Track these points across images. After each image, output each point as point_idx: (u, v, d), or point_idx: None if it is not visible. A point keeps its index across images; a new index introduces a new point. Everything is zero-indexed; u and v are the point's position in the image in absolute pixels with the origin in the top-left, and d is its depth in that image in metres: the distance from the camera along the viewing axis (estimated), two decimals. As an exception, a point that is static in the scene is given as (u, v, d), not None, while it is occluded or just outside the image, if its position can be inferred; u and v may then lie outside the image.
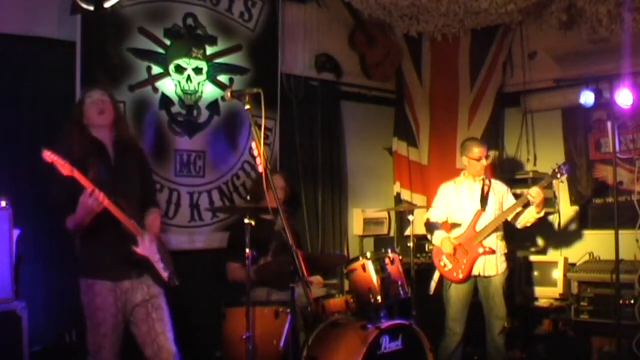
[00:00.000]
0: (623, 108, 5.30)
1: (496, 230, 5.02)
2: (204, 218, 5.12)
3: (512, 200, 5.15)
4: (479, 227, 5.03)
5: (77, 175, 3.32)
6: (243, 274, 4.47)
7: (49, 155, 3.27)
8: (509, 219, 5.07)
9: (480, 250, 4.98)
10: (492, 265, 5.02)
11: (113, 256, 3.52)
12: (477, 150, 5.09)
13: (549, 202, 5.97)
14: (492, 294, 5.03)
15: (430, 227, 5.26)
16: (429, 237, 5.32)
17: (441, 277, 5.14)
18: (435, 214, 5.23)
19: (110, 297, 3.52)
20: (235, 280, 4.56)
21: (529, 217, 5.08)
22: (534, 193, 4.90)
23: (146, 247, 3.57)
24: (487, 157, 5.17)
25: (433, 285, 5.17)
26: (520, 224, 5.14)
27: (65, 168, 3.28)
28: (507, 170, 6.35)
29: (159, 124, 4.93)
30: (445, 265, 5.06)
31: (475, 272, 5.01)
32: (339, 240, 5.97)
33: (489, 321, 5.08)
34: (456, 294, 5.05)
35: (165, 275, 3.65)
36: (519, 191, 5.52)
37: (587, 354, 5.41)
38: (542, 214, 5.09)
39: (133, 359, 3.65)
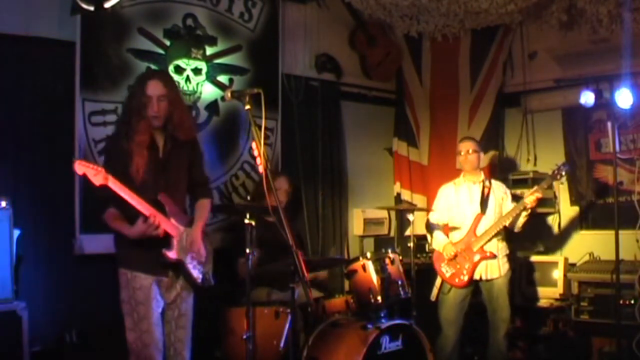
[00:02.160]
0: (623, 108, 5.30)
1: (496, 234, 5.01)
2: (203, 218, 5.11)
3: (509, 204, 5.12)
4: (479, 232, 5.00)
5: (113, 183, 3.26)
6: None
7: (79, 166, 3.21)
8: (507, 224, 5.05)
9: (481, 256, 4.95)
10: (495, 267, 5.00)
11: (150, 254, 3.46)
12: (460, 145, 5.17)
13: (549, 202, 5.98)
14: (496, 295, 5.00)
15: (431, 228, 5.25)
16: (428, 238, 5.30)
17: (442, 282, 5.12)
18: (436, 217, 5.22)
19: (151, 291, 3.47)
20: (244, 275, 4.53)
21: (522, 220, 5.09)
22: (530, 201, 4.91)
23: (180, 250, 3.51)
24: (471, 152, 5.08)
25: (435, 291, 5.12)
26: (516, 228, 5.14)
27: (97, 178, 3.22)
28: (507, 170, 6.35)
29: (159, 124, 4.92)
30: (446, 271, 5.04)
31: (476, 275, 4.98)
32: (339, 240, 5.97)
33: (493, 323, 5.04)
34: (453, 297, 5.03)
35: (198, 277, 3.60)
36: (518, 191, 5.52)
37: (587, 354, 5.40)
38: (529, 211, 5.06)
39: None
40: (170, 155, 3.62)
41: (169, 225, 3.48)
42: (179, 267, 3.55)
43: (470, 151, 5.12)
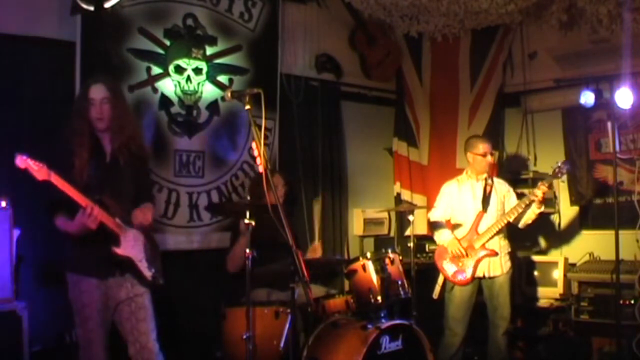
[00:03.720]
0: (623, 108, 5.30)
1: (498, 231, 5.00)
2: (202, 218, 5.12)
3: (513, 200, 5.11)
4: (480, 229, 5.00)
5: (55, 179, 3.28)
6: (241, 261, 4.43)
7: (22, 161, 3.24)
8: (511, 219, 5.02)
9: (483, 253, 4.95)
10: (497, 265, 5.00)
11: (97, 254, 3.51)
12: (482, 146, 5.07)
13: (549, 202, 5.97)
14: (497, 293, 5.00)
15: (435, 225, 5.22)
16: (434, 236, 5.24)
17: (445, 280, 5.11)
18: (437, 214, 5.20)
19: (96, 294, 3.53)
20: (234, 269, 4.51)
21: (530, 215, 5.04)
22: (539, 192, 4.85)
23: (128, 247, 3.56)
24: (491, 154, 5.12)
25: (437, 289, 5.11)
26: (522, 224, 5.11)
27: (40, 172, 3.25)
28: (507, 170, 6.35)
29: (159, 124, 4.93)
30: (448, 269, 5.03)
31: (479, 273, 4.98)
32: (339, 240, 5.96)
33: (492, 321, 5.05)
34: (460, 295, 5.02)
35: (148, 274, 3.63)
36: (519, 191, 5.51)
37: (587, 354, 5.41)
38: (542, 209, 5.03)
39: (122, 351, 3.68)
40: (117, 160, 3.63)
41: (114, 224, 3.50)
42: (127, 265, 3.58)
43: (492, 153, 5.13)
